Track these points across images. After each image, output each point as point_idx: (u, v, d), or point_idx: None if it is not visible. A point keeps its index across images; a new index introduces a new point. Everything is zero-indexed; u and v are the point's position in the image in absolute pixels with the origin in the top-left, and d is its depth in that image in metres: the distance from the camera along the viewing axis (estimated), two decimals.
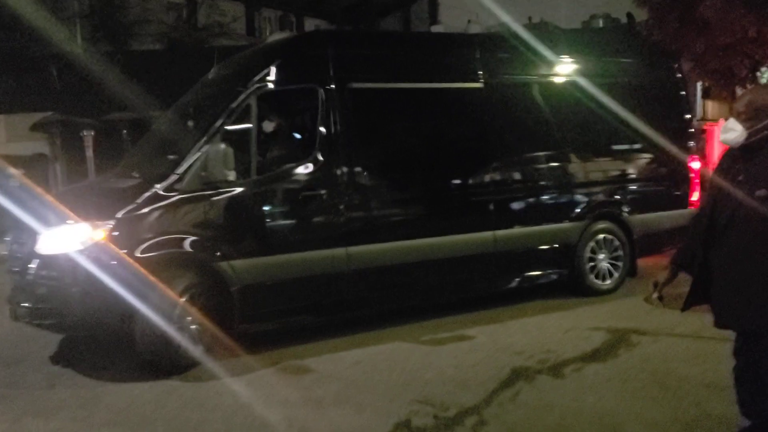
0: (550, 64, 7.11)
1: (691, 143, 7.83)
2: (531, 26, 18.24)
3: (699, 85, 12.53)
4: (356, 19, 27.11)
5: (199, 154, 5.25)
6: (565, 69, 7.20)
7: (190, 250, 5.15)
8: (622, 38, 9.49)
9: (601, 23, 16.00)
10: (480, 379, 4.74)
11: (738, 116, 2.97)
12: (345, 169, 5.78)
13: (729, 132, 2.97)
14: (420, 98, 6.38)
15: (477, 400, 4.37)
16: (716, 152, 11.25)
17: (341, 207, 5.74)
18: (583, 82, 7.13)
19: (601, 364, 5.04)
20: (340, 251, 5.71)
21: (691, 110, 7.95)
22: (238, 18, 21.58)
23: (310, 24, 27.19)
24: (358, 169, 5.87)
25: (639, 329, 5.81)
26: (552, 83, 7.10)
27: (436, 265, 6.20)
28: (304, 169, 5.64)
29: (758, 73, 11.23)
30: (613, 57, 7.65)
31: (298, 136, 6.35)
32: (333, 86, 5.81)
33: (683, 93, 8.02)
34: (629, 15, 13.14)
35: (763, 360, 2.99)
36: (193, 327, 5.14)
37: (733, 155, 3.08)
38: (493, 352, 5.37)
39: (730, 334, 3.20)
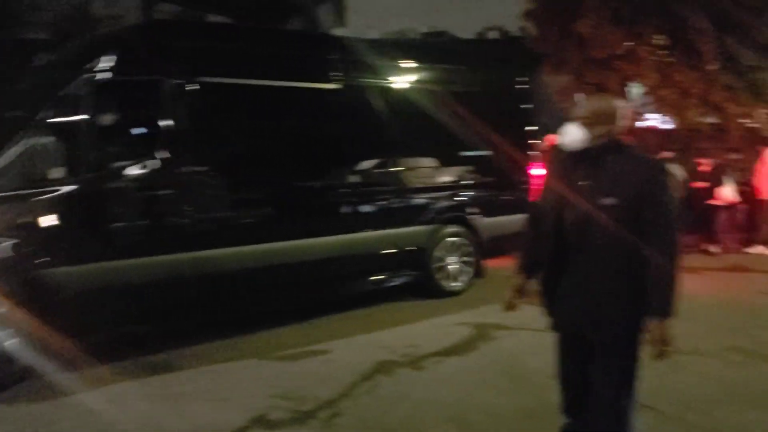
0: (406, 71, 7.20)
1: (533, 152, 8.09)
2: (431, 34, 18.64)
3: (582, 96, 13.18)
4: (262, 19, 26.83)
5: (19, 148, 4.80)
6: (418, 76, 7.29)
7: (7, 255, 4.64)
8: (476, 49, 9.79)
9: (493, 35, 16.61)
10: (341, 374, 4.89)
11: (580, 122, 2.99)
12: (191, 169, 5.45)
13: (570, 136, 2.98)
14: (272, 96, 6.18)
15: (335, 394, 4.52)
16: None
17: (186, 209, 5.44)
18: (436, 88, 7.29)
19: (460, 357, 5.31)
20: (183, 256, 5.40)
21: (536, 122, 8.28)
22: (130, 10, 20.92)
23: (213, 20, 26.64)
24: (204, 168, 5.56)
25: (500, 324, 6.10)
26: (406, 89, 7.16)
27: (286, 270, 6.04)
28: (144, 167, 5.22)
29: (626, 88, 12.00)
30: (466, 66, 7.83)
31: (140, 131, 5.69)
32: (178, 80, 5.46)
33: (529, 105, 8.28)
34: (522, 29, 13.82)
35: (597, 365, 3.02)
36: (13, 340, 4.65)
37: (572, 160, 3.05)
38: (358, 348, 5.55)
39: None
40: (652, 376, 4.48)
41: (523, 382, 4.75)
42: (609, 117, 2.97)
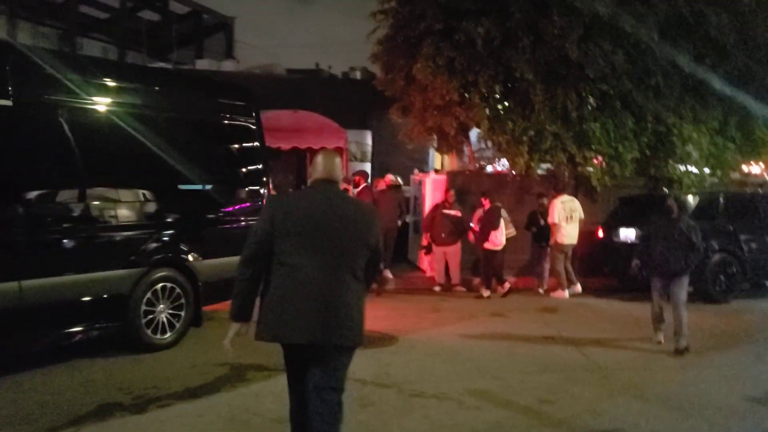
0: (109, 93, 6.43)
1: (264, 190, 7.92)
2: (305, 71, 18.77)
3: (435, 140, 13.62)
4: (149, 46, 26.49)
5: None
6: (125, 100, 6.56)
7: None
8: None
9: (358, 75, 16.97)
10: (53, 416, 4.75)
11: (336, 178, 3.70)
12: None
13: None
14: None
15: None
16: (430, 197, 12.21)
17: None
18: (146, 115, 6.67)
19: (195, 400, 5.25)
20: None
21: (265, 160, 8.24)
22: None
23: (94, 45, 26.04)
24: None
25: (263, 365, 6.10)
26: (107, 112, 6.39)
27: None
28: None
29: (468, 133, 12.45)
30: (180, 96, 7.34)
31: None
32: None
33: (258, 144, 8.04)
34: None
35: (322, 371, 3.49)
36: None
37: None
38: (96, 388, 5.41)
39: None
40: (376, 421, 4.64)
41: (248, 425, 4.73)
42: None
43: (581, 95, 11.82)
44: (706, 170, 13.40)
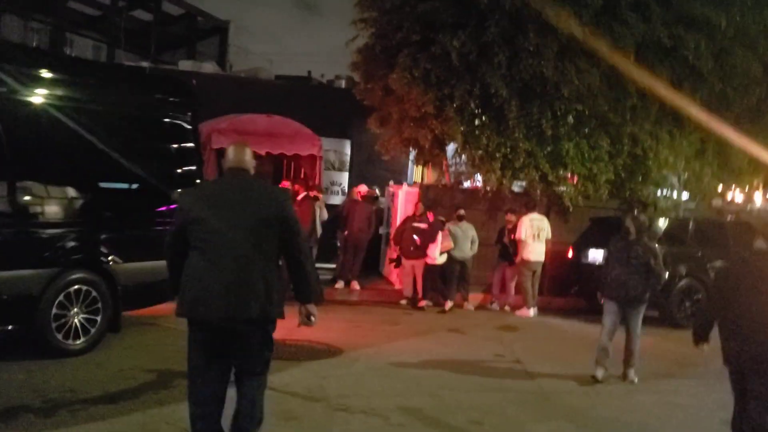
0: (28, 81, 6.11)
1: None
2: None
3: (412, 152, 13.49)
4: (142, 47, 26.41)
5: None
6: (43, 89, 6.24)
7: None
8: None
9: (343, 83, 16.84)
10: None
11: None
12: None
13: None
14: None
15: None
16: (401, 209, 12.11)
17: None
18: (71, 107, 6.33)
19: (109, 405, 5.06)
20: None
21: (200, 160, 7.96)
22: None
23: (84, 42, 25.96)
24: None
25: None
26: (28, 103, 6.14)
27: None
28: None
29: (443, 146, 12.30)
30: (123, 91, 7.10)
31: None
32: None
33: (189, 144, 7.67)
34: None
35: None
36: None
37: None
38: (9, 389, 5.22)
39: None
40: None
41: None
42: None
43: (556, 114, 11.73)
44: (685, 195, 13.32)
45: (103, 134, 6.46)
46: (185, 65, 16.74)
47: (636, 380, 6.82)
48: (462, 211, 11.21)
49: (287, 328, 6.17)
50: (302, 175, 12.55)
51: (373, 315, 9.84)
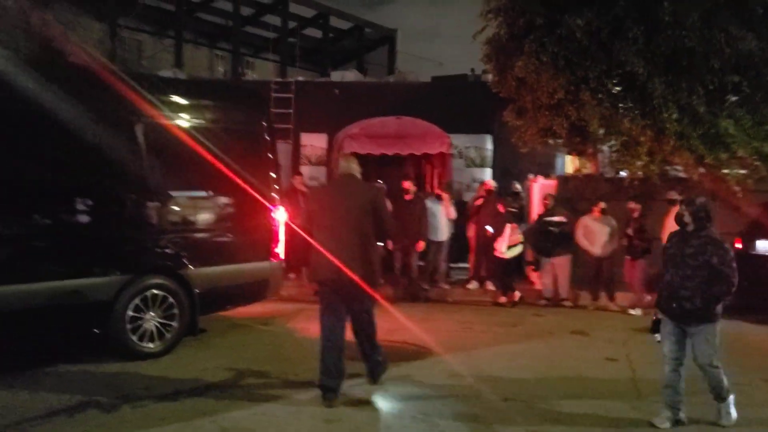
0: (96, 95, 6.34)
1: (275, 195, 7.67)
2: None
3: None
4: (316, 63, 27.88)
5: None
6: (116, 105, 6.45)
7: None
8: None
9: (490, 77, 16.33)
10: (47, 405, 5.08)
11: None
12: None
13: None
14: None
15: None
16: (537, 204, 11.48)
17: None
18: (143, 121, 6.61)
19: (171, 402, 5.29)
20: None
21: (276, 170, 7.88)
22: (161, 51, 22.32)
23: (264, 64, 27.89)
24: None
25: (264, 373, 6.12)
26: (96, 117, 6.31)
27: None
28: None
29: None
30: (195, 102, 7.24)
31: None
32: None
33: (269, 153, 7.82)
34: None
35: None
36: None
37: None
38: (88, 386, 5.64)
39: None
40: None
41: None
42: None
43: (708, 89, 10.37)
44: None
45: (184, 146, 6.78)
46: (335, 76, 17.29)
47: (732, 419, 5.08)
48: (603, 205, 10.29)
49: (385, 329, 6.23)
50: (431, 174, 12.36)
51: (496, 316, 9.36)
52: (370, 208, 5.41)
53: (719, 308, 4.95)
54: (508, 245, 10.10)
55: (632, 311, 9.70)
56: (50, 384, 5.65)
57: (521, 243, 10.30)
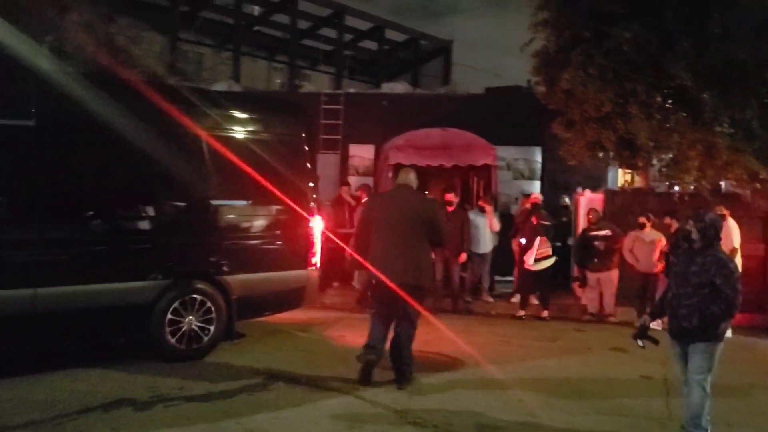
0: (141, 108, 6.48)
1: (313, 204, 7.80)
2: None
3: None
4: (371, 75, 28.17)
5: None
6: (155, 116, 6.59)
7: None
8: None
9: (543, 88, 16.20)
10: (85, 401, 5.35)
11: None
12: None
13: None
14: None
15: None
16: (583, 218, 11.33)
17: None
18: (183, 131, 6.81)
19: (203, 403, 5.49)
20: None
21: (314, 179, 8.03)
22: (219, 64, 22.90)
23: (320, 76, 28.32)
24: None
25: (296, 376, 6.28)
26: (137, 128, 6.50)
27: None
28: None
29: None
30: (230, 113, 7.39)
31: None
32: None
33: (307, 162, 8.00)
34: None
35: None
36: None
37: None
38: (124, 384, 5.90)
39: None
40: None
41: None
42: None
43: (763, 102, 10.07)
44: None
45: (227, 156, 7.01)
46: (386, 87, 17.48)
47: None
48: (642, 219, 10.12)
49: (422, 340, 6.33)
50: (477, 186, 12.34)
51: (536, 330, 9.29)
52: (426, 218, 5.94)
53: (722, 328, 4.77)
54: (536, 258, 10.03)
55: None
56: (91, 382, 5.93)
57: (550, 256, 10.19)
